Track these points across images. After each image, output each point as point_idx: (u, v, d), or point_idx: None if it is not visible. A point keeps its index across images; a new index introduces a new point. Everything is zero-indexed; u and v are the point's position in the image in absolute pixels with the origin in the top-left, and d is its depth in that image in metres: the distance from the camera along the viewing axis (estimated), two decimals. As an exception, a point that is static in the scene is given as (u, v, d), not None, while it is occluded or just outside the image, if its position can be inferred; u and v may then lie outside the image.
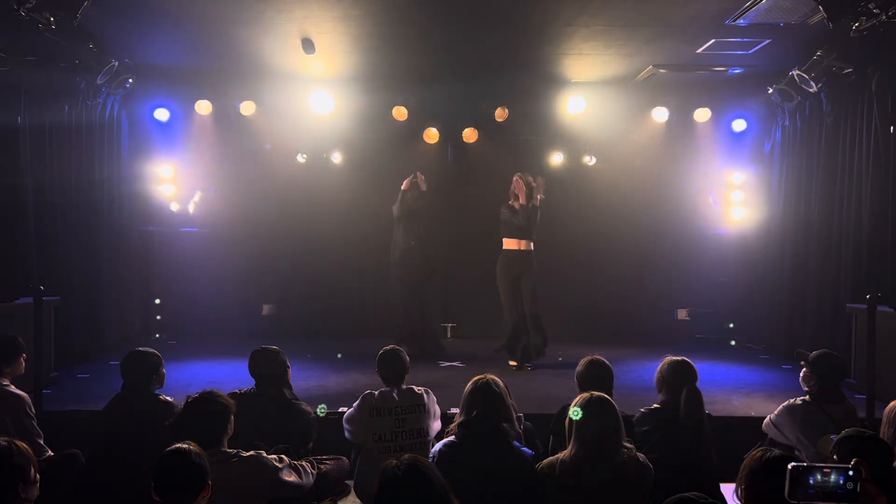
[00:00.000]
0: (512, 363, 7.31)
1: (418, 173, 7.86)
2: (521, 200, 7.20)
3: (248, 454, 3.30)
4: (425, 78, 8.22)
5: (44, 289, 5.26)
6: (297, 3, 5.96)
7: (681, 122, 8.98)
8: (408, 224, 7.82)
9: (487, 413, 3.43)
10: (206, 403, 3.33)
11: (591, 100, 8.47)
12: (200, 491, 2.62)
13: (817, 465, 2.10)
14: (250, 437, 3.60)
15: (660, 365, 4.03)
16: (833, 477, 2.06)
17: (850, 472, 2.06)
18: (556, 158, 9.17)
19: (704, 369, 7.01)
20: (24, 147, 6.55)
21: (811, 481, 2.06)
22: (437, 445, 3.49)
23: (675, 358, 4.00)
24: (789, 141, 8.36)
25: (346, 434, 4.23)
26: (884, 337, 5.45)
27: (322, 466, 3.99)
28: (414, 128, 8.87)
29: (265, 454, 3.38)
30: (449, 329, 9.26)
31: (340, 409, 4.74)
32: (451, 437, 3.46)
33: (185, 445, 2.69)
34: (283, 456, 3.48)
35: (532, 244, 7.30)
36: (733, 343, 9.06)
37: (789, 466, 2.07)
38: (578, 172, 9.19)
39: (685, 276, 9.33)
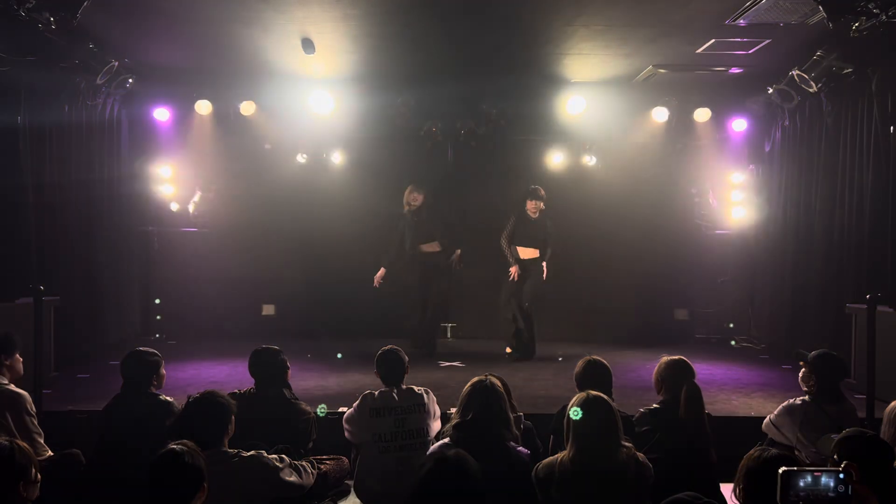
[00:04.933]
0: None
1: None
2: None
3: (248, 454, 3.30)
4: (425, 78, 8.22)
5: (44, 289, 5.26)
6: (297, 3, 5.96)
7: (681, 122, 8.97)
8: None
9: (483, 415, 3.41)
10: (206, 403, 3.33)
11: (591, 100, 8.46)
12: (196, 492, 2.61)
13: (808, 468, 2.09)
14: (250, 437, 3.60)
15: (657, 365, 4.03)
16: (824, 480, 2.06)
17: (842, 475, 2.06)
18: (556, 158, 9.17)
19: (704, 369, 7.06)
20: (24, 147, 6.56)
21: (802, 484, 2.05)
22: (433, 447, 3.48)
23: (671, 357, 4.01)
24: (789, 141, 8.36)
25: (346, 434, 4.23)
26: (884, 337, 5.45)
27: (322, 466, 4.00)
28: (414, 128, 8.86)
29: (265, 454, 3.38)
30: (449, 329, 9.26)
31: (340, 409, 4.74)
32: (446, 440, 3.45)
33: (178, 446, 2.67)
34: (283, 456, 3.48)
35: (539, 252, 7.74)
36: (733, 343, 9.06)
37: (780, 471, 2.06)
38: (578, 172, 9.18)
39: (685, 276, 9.33)
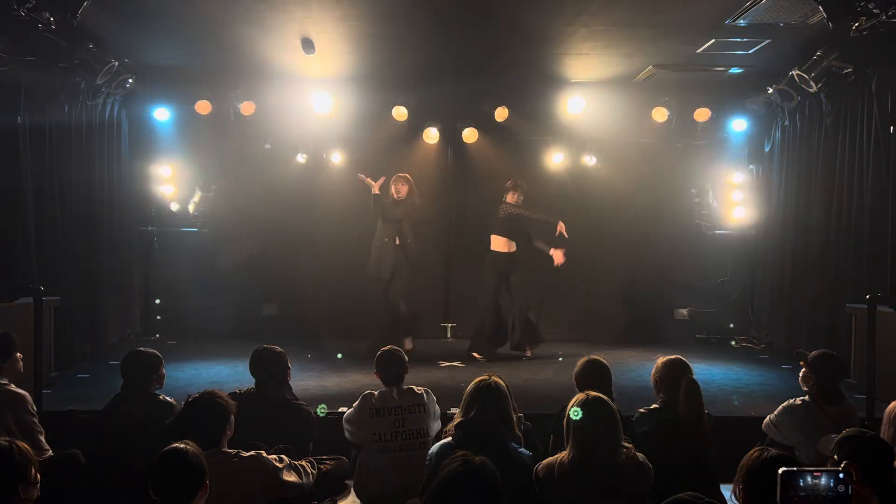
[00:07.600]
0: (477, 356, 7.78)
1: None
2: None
3: (248, 454, 3.30)
4: (425, 78, 8.22)
5: (44, 289, 5.25)
6: (298, 4, 5.96)
7: (681, 122, 8.97)
8: (384, 224, 7.89)
9: (486, 414, 3.42)
10: (205, 403, 3.33)
11: (591, 100, 8.46)
12: (198, 490, 2.62)
13: (808, 468, 2.09)
14: (250, 437, 3.60)
15: (654, 366, 4.03)
16: (824, 480, 2.05)
17: (842, 475, 2.05)
18: (556, 158, 9.16)
19: (704, 369, 7.06)
20: (24, 147, 6.55)
21: (802, 484, 2.05)
22: (434, 447, 3.48)
23: (668, 357, 4.01)
24: (789, 141, 8.36)
25: (346, 434, 4.24)
26: (884, 337, 5.45)
27: (322, 466, 3.99)
28: (414, 128, 8.87)
29: (265, 454, 3.37)
30: (449, 329, 9.26)
31: (340, 409, 4.74)
32: (448, 439, 3.45)
33: (182, 445, 2.68)
34: (283, 456, 3.48)
35: (516, 245, 7.80)
36: (733, 343, 9.06)
37: (780, 471, 2.06)
38: (578, 172, 9.18)
39: (685, 276, 9.33)
